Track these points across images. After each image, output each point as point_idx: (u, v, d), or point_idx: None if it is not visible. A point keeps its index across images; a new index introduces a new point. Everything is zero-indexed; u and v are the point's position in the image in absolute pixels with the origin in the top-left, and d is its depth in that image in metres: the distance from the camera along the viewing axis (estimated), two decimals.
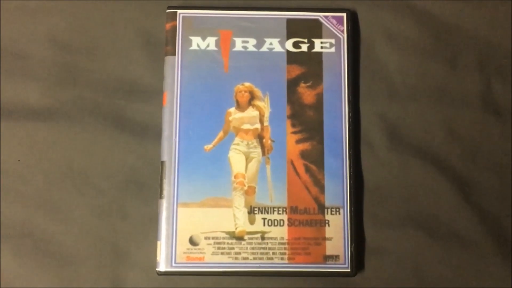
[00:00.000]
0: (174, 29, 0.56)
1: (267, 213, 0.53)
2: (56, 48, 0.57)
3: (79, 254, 0.54)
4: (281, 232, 0.53)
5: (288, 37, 0.56)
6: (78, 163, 0.55)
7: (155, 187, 0.54)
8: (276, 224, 0.53)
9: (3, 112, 0.56)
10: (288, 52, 0.56)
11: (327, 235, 0.53)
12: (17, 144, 0.55)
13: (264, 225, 0.53)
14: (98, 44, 0.57)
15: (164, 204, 0.53)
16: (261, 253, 0.52)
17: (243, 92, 0.55)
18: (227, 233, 0.53)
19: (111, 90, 0.56)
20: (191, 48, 0.55)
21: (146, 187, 0.55)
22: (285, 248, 0.52)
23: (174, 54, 0.55)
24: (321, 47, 0.56)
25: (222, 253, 0.52)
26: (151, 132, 0.56)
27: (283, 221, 0.53)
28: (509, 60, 0.57)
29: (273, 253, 0.52)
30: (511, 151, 0.56)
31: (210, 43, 0.56)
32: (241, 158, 0.54)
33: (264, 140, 0.54)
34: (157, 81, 0.56)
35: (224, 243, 0.52)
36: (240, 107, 0.55)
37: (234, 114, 0.55)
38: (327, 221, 0.53)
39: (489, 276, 0.54)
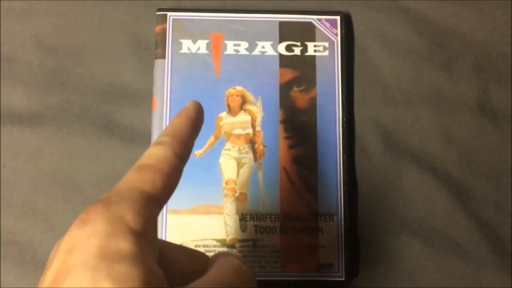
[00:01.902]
0: (164, 32, 0.55)
1: (259, 220, 0.52)
2: (43, 51, 0.56)
3: None
4: (273, 240, 0.51)
5: (281, 40, 0.55)
6: (65, 169, 0.54)
7: None
8: (268, 231, 0.52)
9: None
10: (280, 55, 0.54)
11: (320, 243, 0.52)
12: (3, 149, 0.54)
13: (256, 232, 0.52)
14: (86, 47, 0.56)
15: None
16: (253, 261, 0.51)
17: (234, 96, 0.54)
18: (218, 240, 0.51)
19: (100, 94, 0.55)
20: (181, 51, 0.54)
21: None
22: (277, 256, 0.51)
23: (164, 58, 0.54)
24: (315, 51, 0.55)
25: None
26: (141, 137, 0.54)
27: (276, 228, 0.52)
28: (508, 65, 0.57)
29: (265, 261, 0.51)
30: (509, 157, 0.55)
31: (201, 46, 0.54)
32: (232, 164, 0.53)
33: (256, 145, 0.53)
34: (147, 85, 0.55)
35: (215, 251, 0.51)
36: (231, 111, 0.54)
37: (225, 118, 0.53)
38: (320, 228, 0.52)
39: (485, 284, 0.53)
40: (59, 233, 0.53)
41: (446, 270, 0.53)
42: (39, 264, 0.52)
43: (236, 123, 0.53)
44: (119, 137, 0.54)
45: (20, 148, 0.54)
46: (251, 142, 0.53)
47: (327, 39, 0.55)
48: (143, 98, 0.55)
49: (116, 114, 0.55)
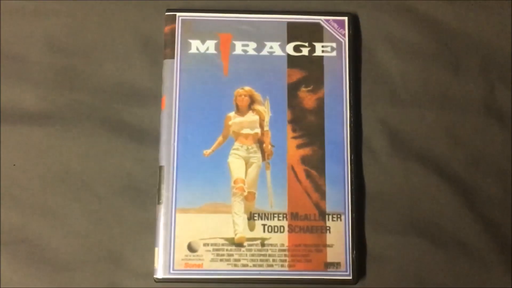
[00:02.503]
0: (173, 32, 0.55)
1: (267, 219, 0.52)
2: (53, 51, 0.56)
3: (75, 260, 0.53)
4: (281, 239, 0.52)
5: (289, 41, 0.55)
6: (74, 168, 0.54)
7: (153, 192, 0.53)
8: (276, 230, 0.52)
9: None
10: (288, 56, 0.55)
11: (328, 242, 0.52)
12: (13, 148, 0.55)
13: (264, 231, 0.52)
14: (96, 47, 0.56)
15: (162, 209, 0.52)
16: (261, 260, 0.52)
17: (243, 96, 0.54)
18: (226, 239, 0.52)
19: (109, 94, 0.56)
20: (190, 51, 0.55)
21: (144, 192, 0.54)
22: (285, 255, 0.52)
23: (173, 58, 0.55)
24: (322, 51, 0.55)
25: (221, 260, 0.51)
26: (149, 137, 0.55)
27: (284, 227, 0.52)
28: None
29: (273, 260, 0.52)
30: None
31: (209, 46, 0.55)
32: (240, 163, 0.53)
33: (264, 145, 0.54)
34: (156, 85, 0.55)
35: (223, 249, 0.52)
36: (240, 111, 0.54)
37: (233, 118, 0.54)
38: (328, 228, 0.52)
39: (491, 284, 0.53)
40: (69, 231, 0.53)
41: (452, 268, 0.53)
42: (48, 262, 0.53)
43: (245, 123, 0.54)
44: (128, 137, 0.55)
45: (30, 147, 0.55)
46: (259, 142, 0.54)
47: (334, 39, 0.55)
48: (152, 98, 0.55)
49: (125, 114, 0.55)
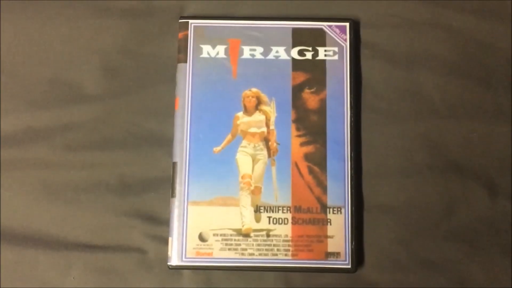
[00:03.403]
0: (186, 38, 0.59)
1: (272, 211, 0.56)
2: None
3: (90, 250, 0.56)
4: (285, 230, 0.55)
5: (294, 46, 0.58)
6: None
7: (167, 186, 0.57)
8: (280, 222, 0.55)
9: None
10: (293, 59, 0.58)
11: (328, 233, 0.55)
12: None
13: (269, 223, 0.55)
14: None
15: (176, 202, 0.56)
16: (266, 250, 0.55)
17: (250, 98, 0.58)
18: (234, 230, 0.55)
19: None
20: (201, 56, 0.58)
21: (159, 186, 0.57)
22: (289, 245, 0.55)
23: (186, 62, 0.58)
24: (325, 55, 0.58)
25: (229, 249, 0.55)
26: (164, 136, 0.58)
27: (287, 219, 0.56)
28: None
29: (278, 250, 0.55)
30: None
31: (219, 51, 0.58)
32: (248, 160, 0.57)
33: (270, 143, 0.57)
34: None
35: (231, 239, 0.55)
36: (247, 111, 0.58)
37: (242, 118, 0.57)
38: (329, 220, 0.55)
39: (492, 285, 0.55)
40: (83, 222, 0.57)
41: (452, 262, 0.56)
42: (62, 256, 0.57)
43: (252, 122, 0.57)
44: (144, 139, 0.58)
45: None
46: (266, 140, 0.57)
47: (336, 44, 0.58)
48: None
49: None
